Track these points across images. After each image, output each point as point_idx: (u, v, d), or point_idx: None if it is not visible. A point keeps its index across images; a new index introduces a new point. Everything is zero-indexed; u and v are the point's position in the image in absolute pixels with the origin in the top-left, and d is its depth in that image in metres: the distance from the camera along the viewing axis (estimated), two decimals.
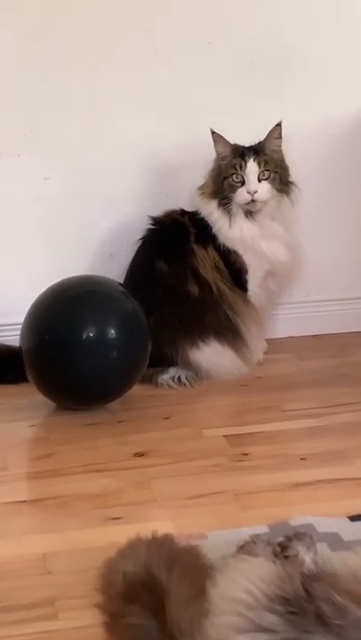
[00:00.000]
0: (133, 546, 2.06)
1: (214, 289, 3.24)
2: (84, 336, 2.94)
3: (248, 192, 3.15)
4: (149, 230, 3.33)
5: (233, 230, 3.22)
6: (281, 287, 3.41)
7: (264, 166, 3.15)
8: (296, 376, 3.30)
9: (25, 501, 2.52)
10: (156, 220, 3.32)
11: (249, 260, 3.26)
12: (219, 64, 3.34)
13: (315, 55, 3.38)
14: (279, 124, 3.15)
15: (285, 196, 3.23)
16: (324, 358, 3.42)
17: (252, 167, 3.15)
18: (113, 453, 2.82)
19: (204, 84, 3.33)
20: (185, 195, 3.33)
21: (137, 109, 3.32)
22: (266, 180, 3.16)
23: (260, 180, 3.15)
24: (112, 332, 2.97)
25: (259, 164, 3.14)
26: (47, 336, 2.96)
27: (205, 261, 3.24)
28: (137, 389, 3.15)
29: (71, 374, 2.97)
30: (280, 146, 3.18)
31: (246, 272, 3.27)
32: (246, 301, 3.29)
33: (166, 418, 2.99)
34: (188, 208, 3.32)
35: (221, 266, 3.25)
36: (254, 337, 3.32)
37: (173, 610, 1.82)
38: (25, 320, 3.02)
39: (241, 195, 3.16)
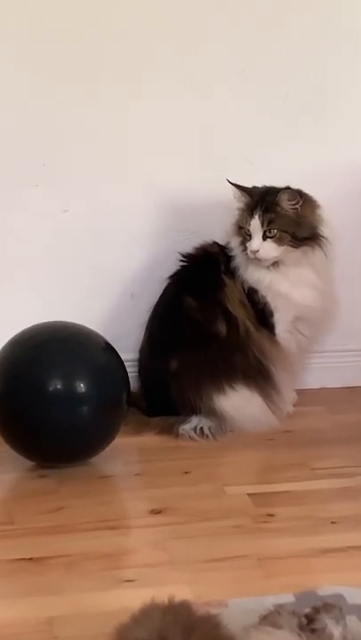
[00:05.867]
0: (147, 612, 2.00)
1: (242, 328, 3.19)
2: (51, 388, 2.82)
3: (251, 250, 3.13)
4: (178, 267, 3.31)
5: (249, 272, 3.19)
6: (314, 334, 3.35)
7: (268, 225, 3.09)
8: (327, 431, 3.25)
9: (31, 559, 2.48)
10: (186, 256, 3.31)
11: (274, 302, 3.21)
12: (252, 96, 3.33)
13: (353, 88, 3.38)
14: (287, 189, 3.10)
15: (311, 249, 3.17)
16: (359, 412, 3.36)
17: (256, 225, 3.10)
18: (127, 509, 2.81)
19: (237, 116, 3.33)
20: (211, 233, 3.30)
21: (164, 143, 3.31)
22: (272, 237, 3.10)
23: (265, 238, 3.10)
24: (81, 386, 2.84)
25: (262, 223, 3.09)
26: (12, 385, 2.85)
27: (234, 295, 3.20)
28: (155, 440, 3.13)
29: (35, 427, 2.83)
30: (295, 206, 3.11)
31: (272, 315, 3.22)
32: (275, 344, 3.24)
33: (186, 472, 2.95)
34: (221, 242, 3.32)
35: (246, 301, 3.20)
36: (285, 384, 3.27)
37: None
38: None
39: (248, 248, 3.13)
